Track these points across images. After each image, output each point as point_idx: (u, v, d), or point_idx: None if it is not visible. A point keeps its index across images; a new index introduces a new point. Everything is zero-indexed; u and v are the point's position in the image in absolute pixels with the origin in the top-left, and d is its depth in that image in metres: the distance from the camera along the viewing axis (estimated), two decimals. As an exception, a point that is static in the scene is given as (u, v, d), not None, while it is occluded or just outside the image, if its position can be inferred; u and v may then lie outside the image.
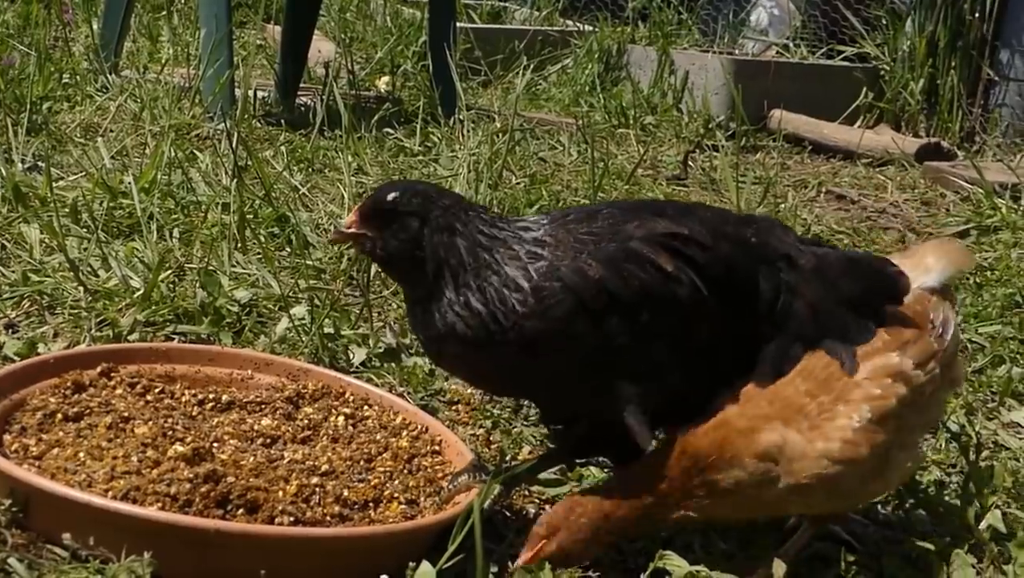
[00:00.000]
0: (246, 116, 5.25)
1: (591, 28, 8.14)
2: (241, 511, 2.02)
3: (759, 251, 2.20)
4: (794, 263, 2.20)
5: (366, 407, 2.53)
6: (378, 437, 2.42)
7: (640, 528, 2.16)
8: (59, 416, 2.24)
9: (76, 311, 2.99)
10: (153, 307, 3.01)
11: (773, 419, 2.07)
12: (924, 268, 2.29)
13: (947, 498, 2.54)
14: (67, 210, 3.58)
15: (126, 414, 2.26)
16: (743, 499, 2.09)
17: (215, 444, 2.24)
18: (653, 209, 2.23)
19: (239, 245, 3.52)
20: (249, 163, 4.08)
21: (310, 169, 4.75)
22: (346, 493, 2.17)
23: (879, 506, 2.59)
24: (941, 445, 2.92)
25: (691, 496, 2.09)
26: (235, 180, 3.67)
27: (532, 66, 6.77)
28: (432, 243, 2.11)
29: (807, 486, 2.06)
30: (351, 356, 3.00)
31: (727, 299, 2.14)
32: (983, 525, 2.39)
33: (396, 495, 2.22)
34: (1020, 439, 2.99)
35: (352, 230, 2.17)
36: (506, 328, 2.06)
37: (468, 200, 2.22)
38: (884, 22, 7.53)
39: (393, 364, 2.99)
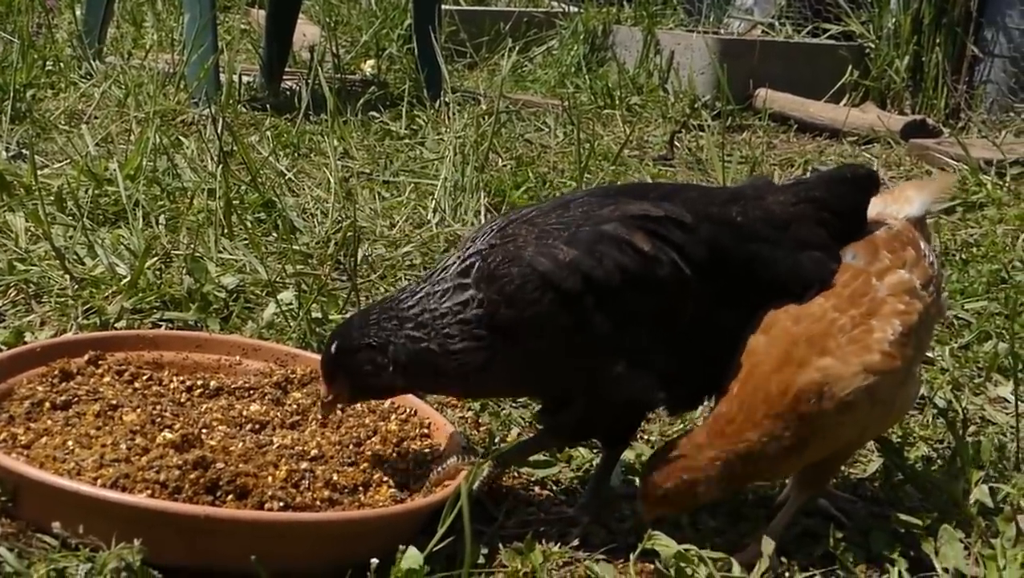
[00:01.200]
0: (231, 101, 5.23)
1: (576, 9, 8.12)
2: (231, 497, 2.03)
3: (746, 230, 2.20)
4: (780, 224, 2.23)
5: (355, 391, 2.53)
6: (367, 421, 2.42)
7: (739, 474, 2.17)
8: (47, 405, 2.24)
9: (63, 299, 2.99)
10: (140, 294, 3.01)
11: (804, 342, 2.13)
12: (906, 199, 2.41)
13: (935, 474, 2.55)
14: (52, 198, 3.57)
15: (114, 402, 2.26)
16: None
17: (204, 430, 2.24)
18: (635, 193, 2.23)
19: (225, 231, 3.51)
20: (235, 148, 4.07)
21: (296, 154, 4.74)
22: (336, 477, 2.17)
23: (867, 482, 2.61)
24: (928, 421, 2.93)
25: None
26: (221, 166, 3.66)
27: (517, 48, 6.76)
28: (390, 357, 2.16)
29: (852, 402, 2.12)
30: (339, 341, 3.00)
31: (713, 280, 2.15)
32: (970, 500, 2.40)
33: (385, 479, 2.23)
34: (1007, 414, 3.00)
35: (331, 397, 2.26)
36: (485, 335, 2.10)
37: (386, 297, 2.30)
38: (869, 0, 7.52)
39: (381, 348, 2.99)
